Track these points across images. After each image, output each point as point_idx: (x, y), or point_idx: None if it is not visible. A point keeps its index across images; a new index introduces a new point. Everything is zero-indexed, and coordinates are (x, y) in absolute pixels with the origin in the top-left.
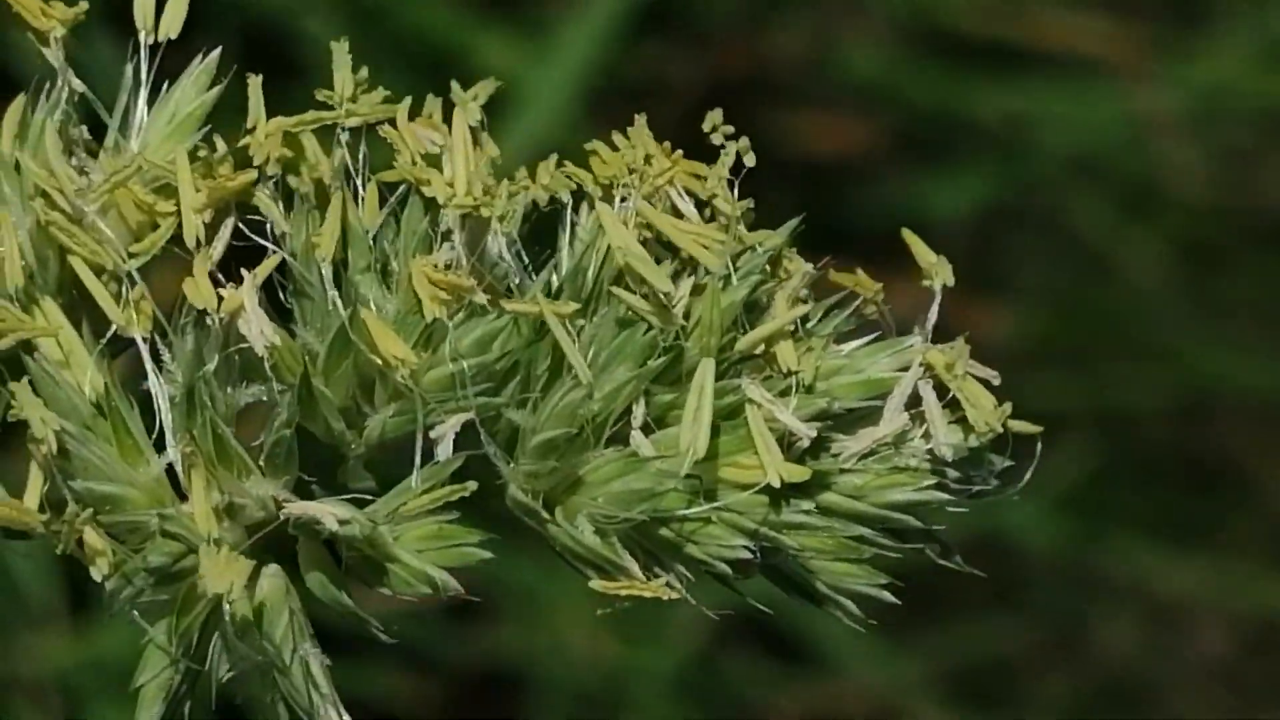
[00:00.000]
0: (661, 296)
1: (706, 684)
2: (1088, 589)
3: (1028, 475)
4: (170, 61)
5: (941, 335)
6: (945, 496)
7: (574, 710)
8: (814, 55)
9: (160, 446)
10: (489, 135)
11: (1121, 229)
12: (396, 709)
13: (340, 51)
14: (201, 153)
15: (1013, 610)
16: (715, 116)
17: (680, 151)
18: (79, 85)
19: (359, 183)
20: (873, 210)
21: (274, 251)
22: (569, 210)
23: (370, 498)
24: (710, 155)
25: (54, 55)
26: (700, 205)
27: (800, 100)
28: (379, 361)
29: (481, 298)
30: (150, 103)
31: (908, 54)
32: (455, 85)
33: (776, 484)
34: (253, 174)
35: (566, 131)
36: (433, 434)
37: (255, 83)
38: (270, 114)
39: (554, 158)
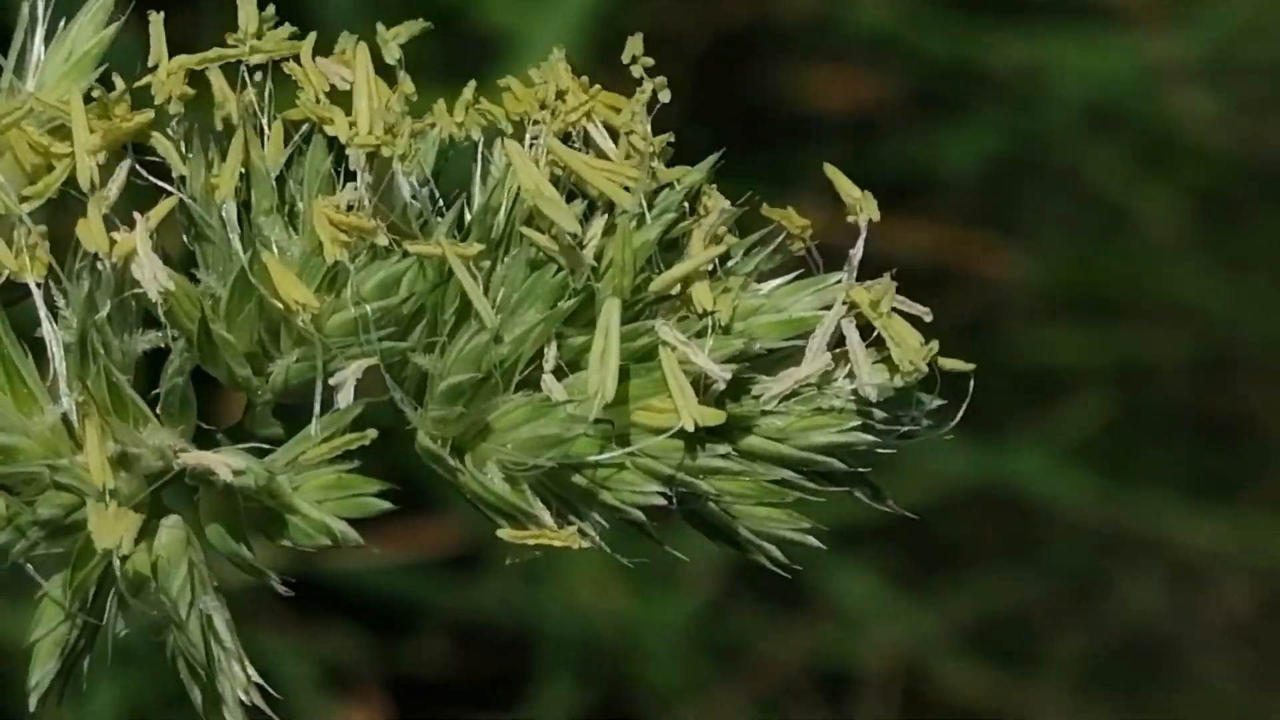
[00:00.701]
0: (570, 238)
1: (718, 636)
2: (1108, 545)
3: (959, 415)
4: None
5: (956, 287)
6: (870, 438)
7: (584, 662)
8: (823, 7)
9: (55, 394)
10: (409, 76)
11: (1137, 181)
12: (401, 664)
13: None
14: (98, 93)
15: (1032, 566)
16: (635, 45)
17: (598, 86)
18: None
19: (265, 122)
20: (885, 164)
21: (171, 194)
22: (481, 148)
23: (273, 447)
24: (715, 113)
25: None
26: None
27: (810, 53)
28: (280, 306)
29: (384, 239)
30: (48, 41)
31: (918, 5)
32: (380, 26)
33: (691, 428)
34: (149, 114)
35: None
36: (333, 380)
37: (157, 20)
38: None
39: (471, 89)
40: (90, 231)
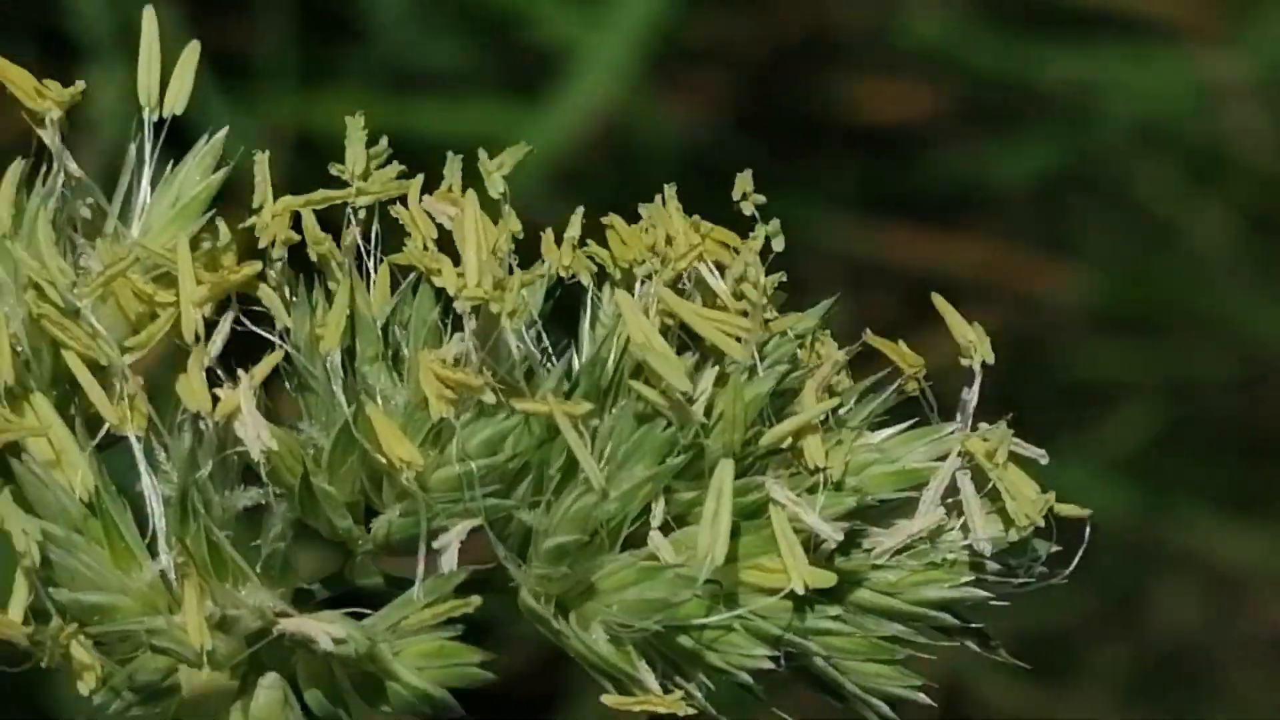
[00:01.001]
0: (680, 394)
1: None
2: (1148, 558)
3: (1074, 563)
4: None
5: (1005, 301)
6: (983, 594)
7: None
8: (877, 20)
9: (155, 549)
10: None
11: (1188, 197)
12: None
13: (354, 126)
14: (205, 242)
15: (1072, 579)
16: (744, 182)
17: (708, 226)
18: (76, 170)
19: (370, 264)
20: (936, 177)
21: (277, 345)
22: (590, 292)
23: (368, 611)
24: (768, 125)
25: (50, 138)
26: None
27: (863, 66)
28: (384, 461)
29: (491, 398)
30: (154, 181)
31: (972, 19)
32: (483, 155)
33: (801, 590)
34: (257, 266)
35: (626, 96)
36: (437, 543)
37: (262, 160)
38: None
39: (578, 225)
40: (192, 390)
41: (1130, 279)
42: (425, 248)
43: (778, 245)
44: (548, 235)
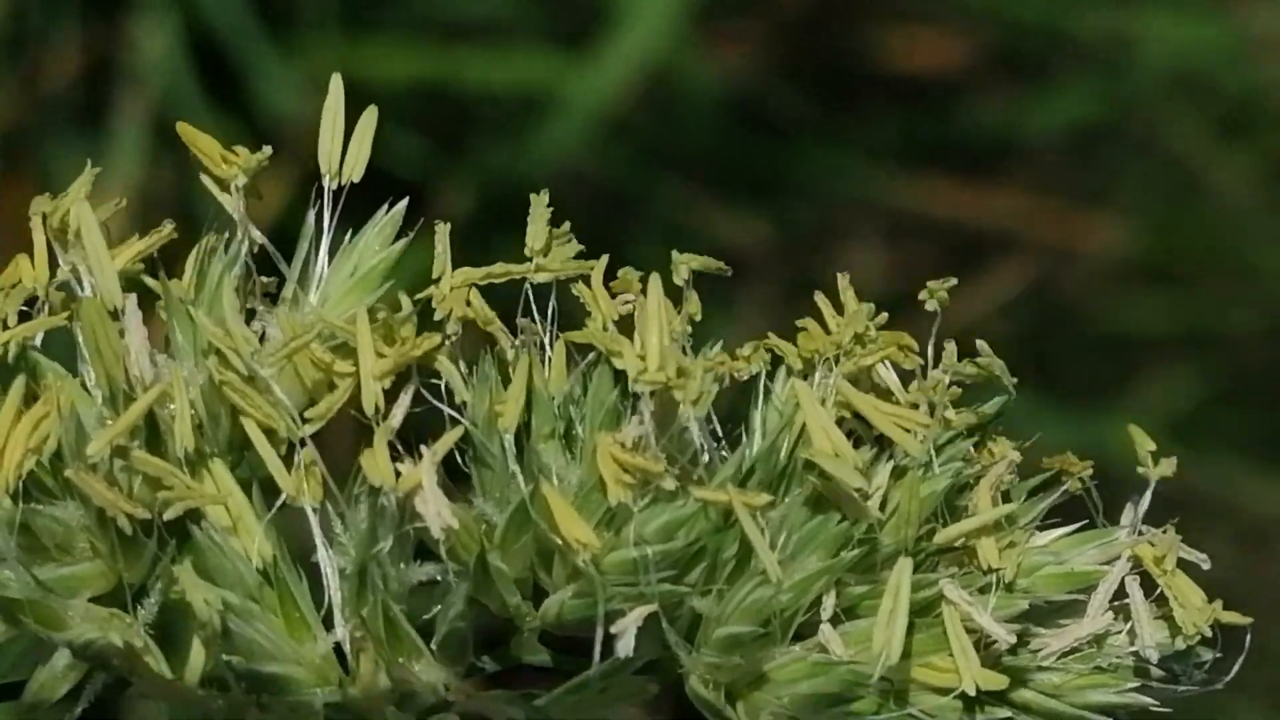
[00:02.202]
0: (863, 487)
1: None
2: (1181, 508)
3: (1235, 669)
4: None
5: (1038, 252)
6: (1148, 700)
7: None
8: None
9: (329, 620)
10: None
11: (1220, 148)
12: None
13: (539, 204)
14: (381, 313)
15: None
16: (935, 286)
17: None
18: (259, 237)
19: (547, 341)
20: (971, 127)
21: (456, 420)
22: (763, 380)
23: (539, 691)
24: (807, 75)
25: (234, 205)
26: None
27: (901, 16)
28: (559, 542)
29: (670, 484)
30: (332, 250)
31: None
32: (675, 255)
33: (972, 692)
34: (435, 339)
35: (673, 46)
36: (614, 628)
37: (443, 230)
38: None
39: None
40: (377, 465)
41: (1162, 230)
42: (605, 328)
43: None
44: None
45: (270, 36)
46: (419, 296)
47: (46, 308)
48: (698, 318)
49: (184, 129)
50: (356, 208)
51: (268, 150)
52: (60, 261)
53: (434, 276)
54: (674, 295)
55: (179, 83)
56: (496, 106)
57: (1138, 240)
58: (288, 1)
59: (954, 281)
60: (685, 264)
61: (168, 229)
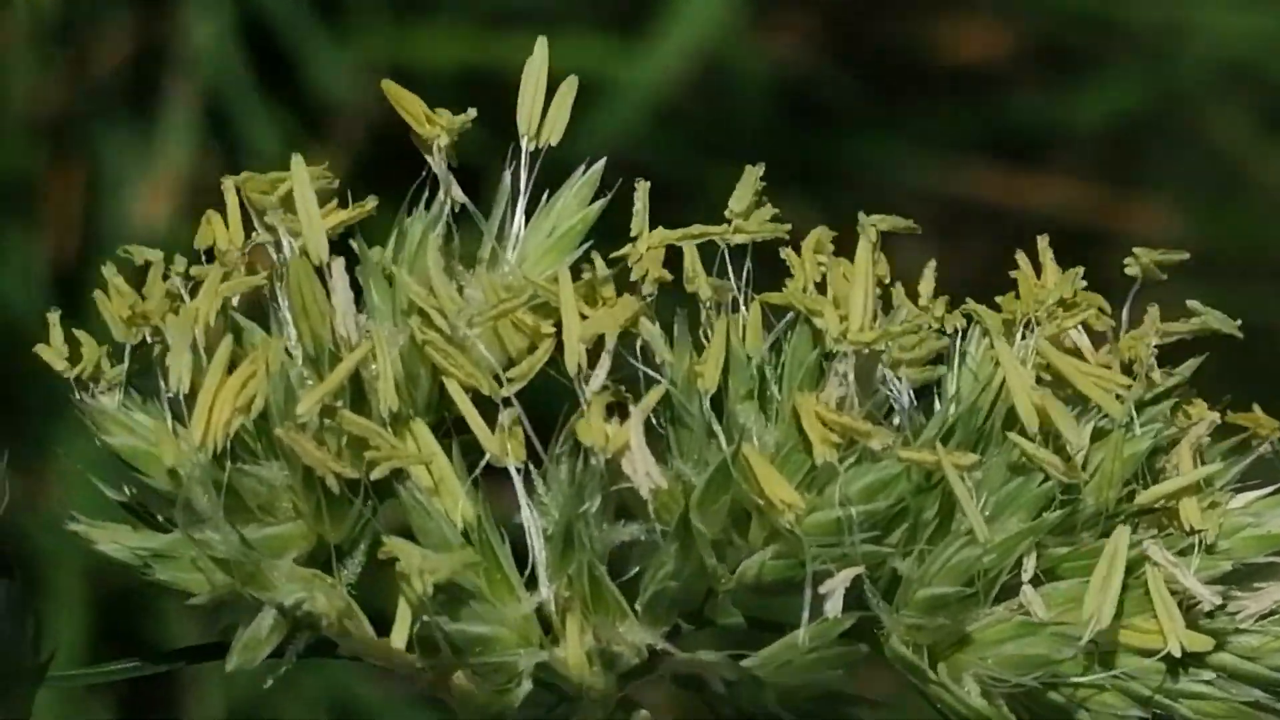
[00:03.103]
0: (1068, 448)
1: None
2: None
3: None
4: None
5: (1093, 240)
6: None
7: None
8: None
9: (530, 583)
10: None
11: (1267, 141)
12: None
13: (751, 175)
14: (585, 273)
15: None
16: (1142, 253)
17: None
18: (460, 196)
19: (742, 302)
20: (1017, 116)
21: (651, 381)
22: (958, 341)
23: (745, 653)
24: (854, 63)
25: (437, 164)
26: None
27: (950, 5)
28: (761, 503)
29: (878, 443)
30: (528, 214)
31: None
32: (861, 216)
33: (1178, 653)
34: (639, 303)
35: (725, 34)
36: (822, 588)
37: (643, 188)
38: None
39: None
40: (591, 426)
41: (1206, 222)
42: (805, 290)
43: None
44: (926, 281)
45: (321, 23)
46: (613, 256)
47: (241, 270)
48: (886, 280)
49: (389, 86)
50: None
51: (472, 112)
52: (255, 226)
53: (632, 235)
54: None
55: (229, 69)
56: (547, 94)
57: (1183, 232)
58: None
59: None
60: (874, 225)
61: (370, 203)
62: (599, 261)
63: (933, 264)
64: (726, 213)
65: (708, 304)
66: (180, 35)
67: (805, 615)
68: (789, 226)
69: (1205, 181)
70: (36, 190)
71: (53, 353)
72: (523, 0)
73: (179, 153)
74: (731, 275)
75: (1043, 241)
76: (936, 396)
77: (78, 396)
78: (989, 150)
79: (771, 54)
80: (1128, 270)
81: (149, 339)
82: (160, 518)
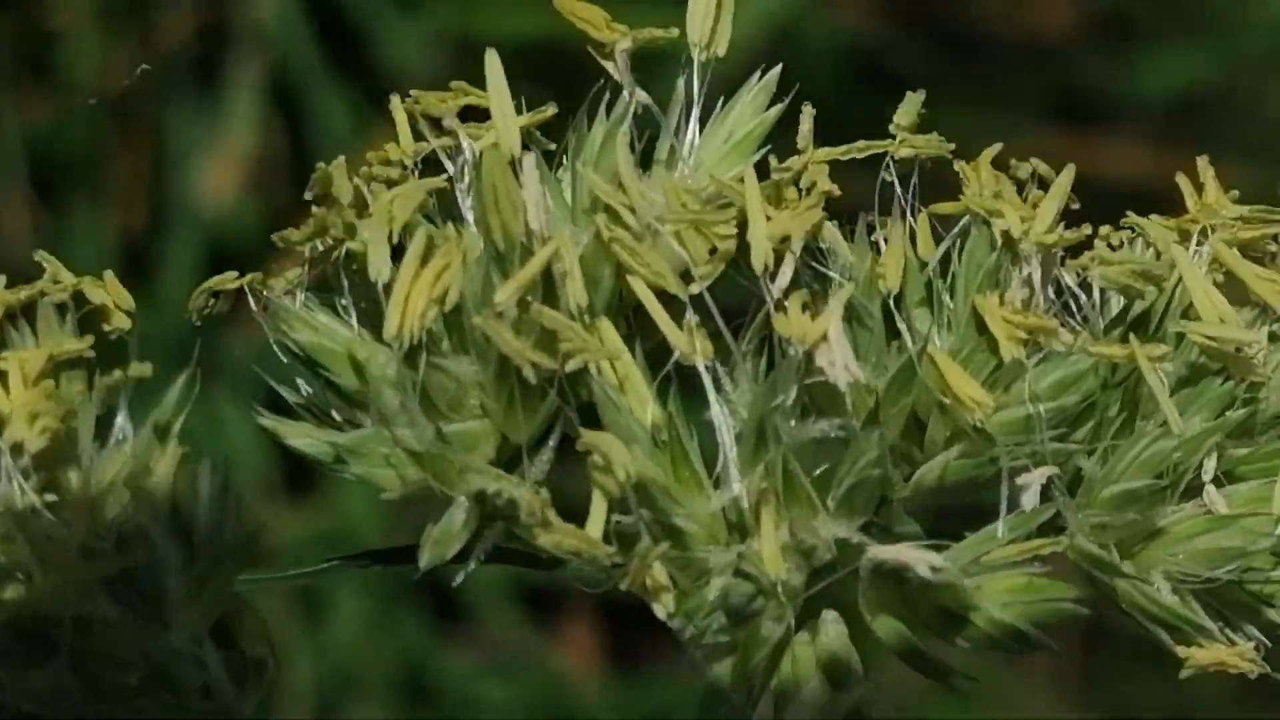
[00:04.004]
0: (1246, 349)
1: None
2: None
3: None
4: None
5: (1150, 202)
6: None
7: None
8: None
9: (718, 482)
10: None
11: None
12: None
13: (913, 100)
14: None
15: None
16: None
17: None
18: (645, 98)
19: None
20: (1082, 84)
21: (841, 283)
22: (1141, 245)
23: (945, 544)
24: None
25: (618, 69)
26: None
27: None
28: (948, 401)
29: (1066, 339)
30: (702, 122)
31: None
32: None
33: None
34: (820, 212)
35: (798, 8)
36: (1020, 480)
37: (808, 113)
38: None
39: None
40: (792, 320)
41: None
42: (980, 195)
43: None
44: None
45: None
46: (783, 166)
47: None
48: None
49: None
50: None
51: (673, 31)
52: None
53: (799, 147)
54: None
55: (295, 44)
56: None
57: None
58: None
59: None
60: (1031, 164)
61: (550, 109)
62: (777, 165)
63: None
64: (891, 128)
65: (869, 216)
66: (245, 10)
67: (1003, 507)
68: (953, 146)
69: (1270, 152)
70: (104, 166)
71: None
72: None
73: (245, 128)
74: (898, 188)
75: (1202, 161)
76: (1102, 308)
77: (253, 301)
78: (1055, 118)
79: (839, 22)
80: None
81: (324, 245)
82: (340, 418)
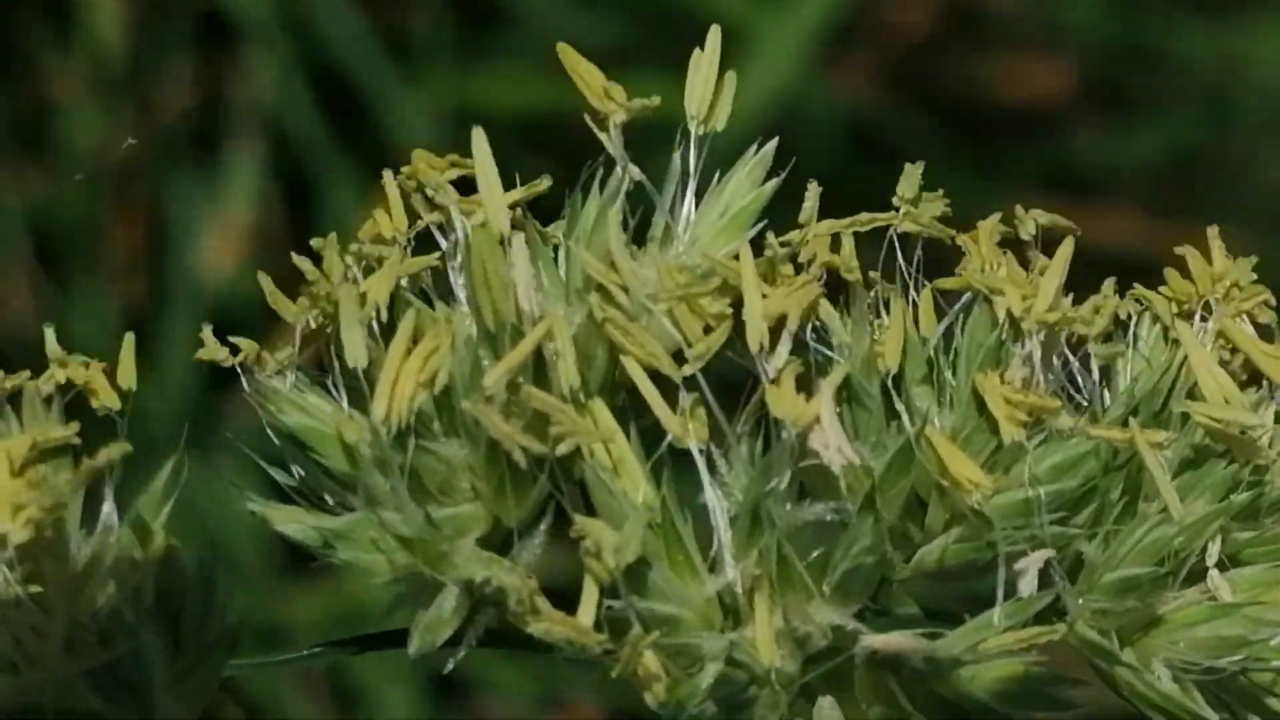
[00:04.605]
0: (1247, 430)
1: None
2: None
3: None
4: None
5: (1146, 271)
6: None
7: None
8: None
9: (712, 566)
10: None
11: None
12: None
13: (913, 174)
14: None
15: None
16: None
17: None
18: (637, 174)
19: (911, 287)
20: (1076, 153)
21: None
22: (1133, 325)
23: (940, 632)
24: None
25: (612, 142)
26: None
27: (1007, 43)
28: (945, 483)
29: (1067, 421)
30: (698, 197)
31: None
32: (1020, 209)
33: None
34: (818, 286)
35: (798, 80)
36: (1017, 565)
37: (814, 189)
38: None
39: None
40: (783, 400)
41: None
42: (982, 271)
43: None
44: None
45: (389, 66)
46: (783, 239)
47: (409, 253)
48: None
49: (565, 53)
50: None
51: (656, 99)
52: (421, 213)
53: (800, 221)
54: None
55: (296, 115)
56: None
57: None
58: (400, 32)
59: None
60: (1033, 219)
61: (544, 182)
62: (771, 240)
63: (1216, 229)
64: (895, 200)
65: (875, 292)
66: (245, 82)
67: (1000, 593)
68: (952, 219)
69: (1261, 216)
70: (104, 239)
71: (211, 350)
72: (591, 40)
73: (245, 200)
74: (902, 262)
75: (1212, 231)
76: (1105, 388)
77: (246, 382)
78: (1050, 185)
79: (839, 93)
80: None
81: (315, 323)
82: (330, 501)
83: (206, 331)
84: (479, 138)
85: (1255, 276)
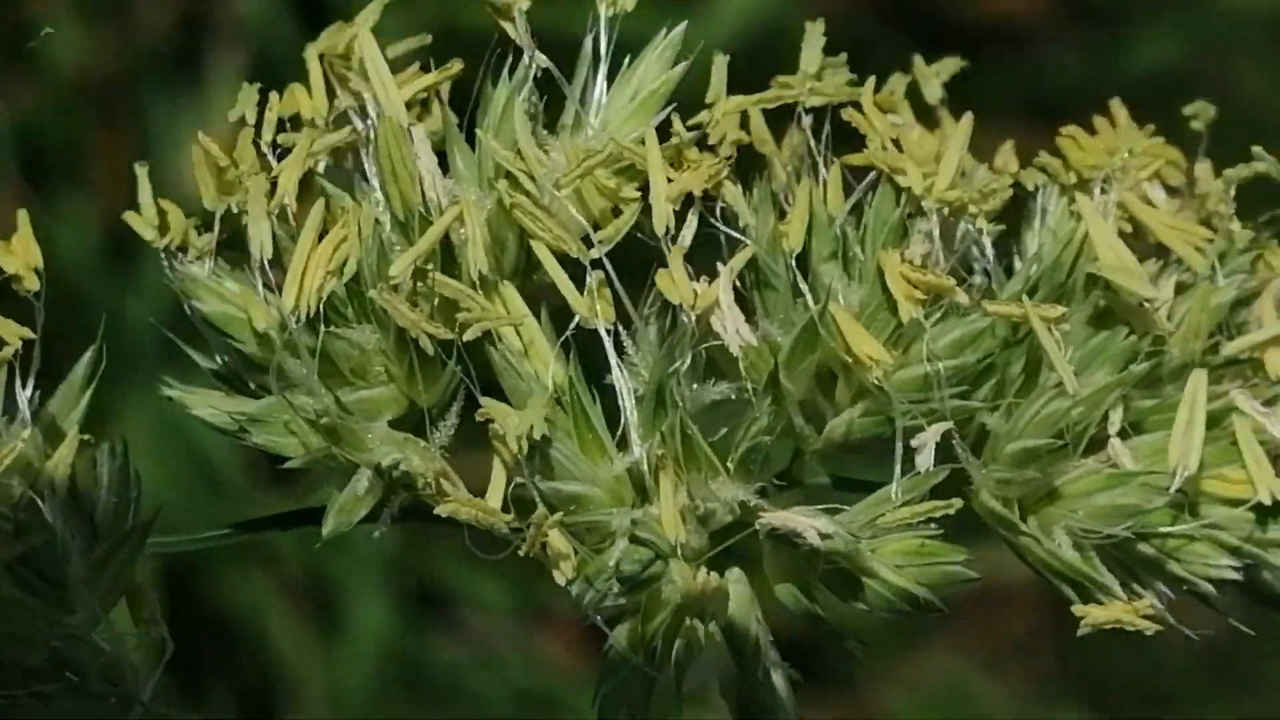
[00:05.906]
0: (1145, 303)
1: None
2: None
3: None
4: None
5: None
6: None
7: None
8: None
9: (621, 444)
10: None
11: None
12: None
13: (814, 31)
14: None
15: None
16: (1199, 107)
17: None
18: (544, 61)
19: (821, 165)
20: (1053, 73)
21: (743, 244)
22: (1039, 198)
23: (840, 507)
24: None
25: (516, 31)
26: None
27: None
28: (849, 360)
29: (963, 298)
30: (609, 80)
31: None
32: (918, 60)
33: (1268, 501)
34: (723, 162)
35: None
36: (914, 442)
37: (720, 62)
38: None
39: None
40: (675, 283)
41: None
42: (883, 148)
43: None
44: (1004, 154)
45: None
46: (691, 122)
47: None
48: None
49: None
50: None
51: None
52: (338, 95)
53: (708, 101)
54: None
55: (276, 33)
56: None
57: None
58: None
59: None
60: (935, 75)
61: (456, 67)
62: (677, 123)
63: (1010, 143)
64: (798, 75)
65: (786, 167)
66: (226, 1)
67: (897, 469)
68: (861, 91)
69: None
70: (87, 155)
71: (141, 221)
72: None
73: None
74: (810, 138)
75: (1115, 103)
76: (1017, 257)
77: (167, 265)
78: (1028, 106)
79: (818, 12)
80: (1193, 125)
81: (236, 208)
82: (253, 385)
83: (144, 188)
84: (365, 29)
85: (1162, 140)
